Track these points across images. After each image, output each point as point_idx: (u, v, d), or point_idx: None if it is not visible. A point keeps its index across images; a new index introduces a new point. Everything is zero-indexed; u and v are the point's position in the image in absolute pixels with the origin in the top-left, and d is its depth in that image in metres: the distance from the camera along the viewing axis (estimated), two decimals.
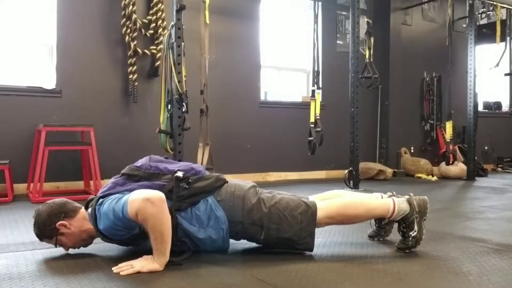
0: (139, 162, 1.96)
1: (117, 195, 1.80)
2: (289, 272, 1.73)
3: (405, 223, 2.01)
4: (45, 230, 1.88)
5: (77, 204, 1.97)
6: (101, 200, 1.84)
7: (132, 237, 1.85)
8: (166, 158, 2.04)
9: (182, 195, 1.85)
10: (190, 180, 1.89)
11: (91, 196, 1.99)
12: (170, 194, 1.83)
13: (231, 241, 1.99)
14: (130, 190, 1.81)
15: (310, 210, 1.94)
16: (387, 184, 5.11)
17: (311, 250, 1.98)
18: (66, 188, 4.13)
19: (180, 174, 1.87)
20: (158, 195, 1.71)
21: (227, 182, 1.98)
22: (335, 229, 2.52)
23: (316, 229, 1.98)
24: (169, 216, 1.73)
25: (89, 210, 1.88)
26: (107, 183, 1.93)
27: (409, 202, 2.01)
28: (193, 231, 1.86)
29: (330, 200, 2.07)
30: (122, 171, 1.95)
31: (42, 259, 1.89)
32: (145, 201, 1.67)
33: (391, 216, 2.01)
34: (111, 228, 1.79)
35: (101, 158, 3.90)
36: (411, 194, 2.06)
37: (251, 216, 1.90)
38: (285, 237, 1.92)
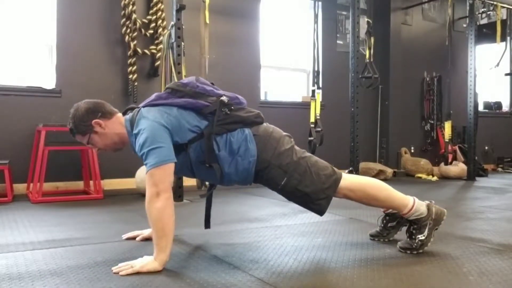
0: (186, 80, 1.97)
1: (156, 136, 1.74)
2: (289, 272, 1.73)
3: (417, 224, 2.01)
4: (80, 125, 1.90)
5: (115, 108, 1.99)
6: (142, 112, 1.84)
7: None
8: (212, 83, 2.04)
9: (223, 120, 1.87)
10: (232, 108, 1.90)
11: (132, 105, 2.02)
12: (212, 116, 1.86)
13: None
14: (173, 105, 1.85)
15: (335, 175, 1.96)
16: (387, 184, 5.10)
17: (322, 213, 1.98)
18: (66, 188, 4.13)
19: (225, 98, 1.89)
20: (168, 191, 1.72)
21: (266, 123, 2.01)
22: (335, 229, 2.52)
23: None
24: (173, 213, 1.74)
25: (127, 116, 1.92)
26: (151, 96, 1.94)
27: (428, 208, 2.02)
28: (223, 156, 1.87)
29: (356, 175, 2.10)
30: (168, 85, 1.96)
31: (42, 259, 1.88)
32: (155, 193, 1.70)
33: (407, 213, 2.02)
34: (138, 152, 1.81)
35: (100, 158, 3.89)
36: (433, 201, 2.08)
37: (280, 159, 1.91)
38: (304, 191, 1.92)
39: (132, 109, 1.97)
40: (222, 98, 1.89)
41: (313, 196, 1.93)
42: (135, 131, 1.83)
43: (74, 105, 1.94)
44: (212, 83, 2.03)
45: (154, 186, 1.71)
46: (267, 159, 1.90)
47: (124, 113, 1.98)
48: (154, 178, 1.72)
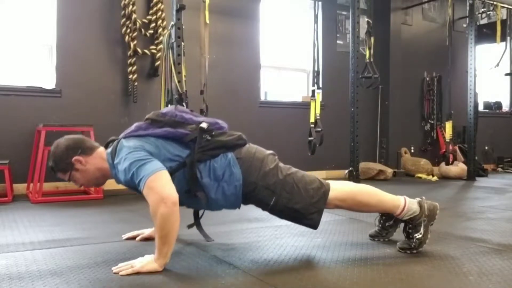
0: (165, 110, 1.96)
1: (140, 156, 1.74)
2: (289, 272, 1.73)
3: (412, 223, 2.01)
4: (61, 163, 1.90)
5: (95, 143, 1.98)
6: (122, 142, 1.83)
7: None
8: (192, 111, 2.03)
9: (204, 146, 1.85)
10: (213, 133, 1.89)
11: (112, 137, 1.99)
12: (193, 143, 1.85)
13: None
14: (152, 135, 1.83)
15: (324, 188, 1.95)
16: (387, 184, 5.11)
17: (316, 227, 1.98)
18: (65, 188, 4.13)
19: (204, 125, 1.88)
20: (173, 196, 1.68)
21: (248, 144, 1.99)
22: (335, 229, 2.52)
23: (318, 231, 1.97)
24: (179, 219, 1.71)
25: (109, 150, 1.90)
26: (130, 126, 1.92)
27: (420, 205, 2.02)
28: (207, 184, 1.85)
29: (344, 183, 2.08)
30: (147, 116, 1.94)
31: (42, 259, 1.88)
32: (159, 199, 1.66)
33: (399, 214, 2.02)
34: (126, 181, 1.80)
35: None
36: (423, 197, 2.07)
37: (266, 179, 1.90)
38: (294, 208, 1.91)
39: (113, 141, 1.94)
40: (201, 125, 1.87)
41: (304, 212, 1.92)
42: (116, 161, 1.81)
43: (54, 143, 1.93)
44: (192, 110, 2.03)
45: (155, 194, 1.67)
46: (253, 181, 1.89)
47: (106, 146, 1.96)
48: (152, 187, 1.68)
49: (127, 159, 1.75)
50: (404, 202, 2.01)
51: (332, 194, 1.95)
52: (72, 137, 1.95)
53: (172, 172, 1.79)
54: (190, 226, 2.13)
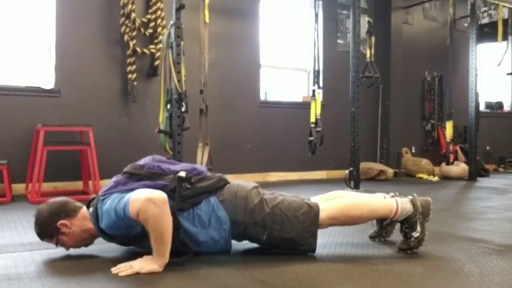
0: (142, 161, 1.94)
1: (119, 194, 1.78)
2: (289, 272, 1.72)
3: (407, 223, 2.00)
4: (46, 229, 1.87)
5: (78, 204, 1.96)
6: (102, 198, 1.83)
7: (134, 236, 1.84)
8: (168, 158, 2.03)
9: (185, 195, 1.84)
10: (192, 180, 1.87)
11: (92, 196, 1.98)
12: (173, 194, 1.82)
13: (232, 241, 1.97)
14: (132, 190, 1.80)
15: (313, 211, 1.93)
16: (388, 184, 5.10)
17: (313, 251, 1.97)
18: (64, 188, 4.12)
19: (182, 174, 1.86)
20: (161, 195, 1.69)
21: (229, 183, 1.97)
22: (335, 230, 2.51)
23: (319, 231, 1.96)
24: (171, 218, 1.71)
25: (91, 209, 1.88)
26: (109, 182, 1.91)
27: (413, 203, 2.00)
28: (194, 232, 1.85)
29: (333, 201, 2.06)
30: (125, 170, 1.93)
31: (41, 260, 1.88)
32: (147, 201, 1.66)
33: (394, 217, 2.00)
34: (112, 227, 1.78)
35: (100, 158, 3.88)
36: (415, 194, 2.05)
37: (253, 216, 1.89)
38: (287, 237, 1.91)
39: (94, 199, 1.92)
40: (179, 174, 1.86)
41: (299, 239, 1.92)
42: (99, 214, 1.80)
43: (36, 209, 1.91)
44: (169, 158, 2.03)
45: (141, 200, 1.67)
46: (241, 220, 1.89)
47: (88, 205, 1.94)
48: (138, 197, 1.68)
49: (106, 206, 1.77)
50: (396, 204, 1.99)
51: (323, 214, 1.94)
52: (54, 201, 1.93)
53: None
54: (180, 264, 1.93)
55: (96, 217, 1.82)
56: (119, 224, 1.76)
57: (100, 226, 1.82)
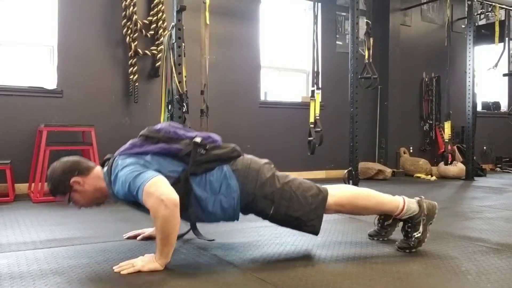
0: (159, 126, 1.96)
1: (136, 168, 1.76)
2: (289, 271, 1.74)
3: (411, 223, 2.02)
4: (59, 186, 1.90)
5: (91, 163, 1.99)
6: (117, 160, 1.84)
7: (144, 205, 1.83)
8: (184, 126, 2.04)
9: (199, 160, 1.86)
10: (207, 147, 1.90)
11: (108, 155, 2.00)
12: (187, 158, 1.86)
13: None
14: (147, 153, 1.83)
15: (322, 194, 1.96)
16: (386, 184, 5.12)
17: (317, 233, 1.99)
18: None
19: (198, 139, 1.89)
20: (173, 197, 1.69)
21: (243, 155, 2.00)
22: (335, 229, 2.54)
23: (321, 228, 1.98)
24: (179, 220, 1.72)
25: (105, 169, 1.91)
26: (125, 144, 1.93)
27: (419, 204, 2.03)
28: (204, 197, 1.86)
29: (342, 188, 2.08)
30: (141, 132, 1.95)
31: (43, 258, 1.89)
32: (159, 201, 1.66)
33: (399, 214, 2.03)
34: (124, 196, 1.81)
35: (102, 158, 3.89)
36: (422, 197, 2.08)
37: (263, 189, 1.91)
38: (293, 215, 1.92)
39: (109, 159, 1.95)
40: (195, 139, 1.89)
41: (304, 219, 1.93)
42: (112, 177, 1.82)
43: (51, 166, 1.94)
44: (184, 126, 2.04)
45: (155, 197, 1.67)
46: (251, 191, 1.90)
47: (102, 164, 1.97)
48: (151, 192, 1.69)
49: (122, 174, 1.77)
50: (403, 202, 2.02)
51: (331, 199, 1.96)
52: (68, 159, 1.96)
53: None
54: (180, 237, 2.06)
55: (110, 177, 1.84)
56: (130, 196, 1.78)
57: (113, 189, 1.84)
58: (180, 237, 1.98)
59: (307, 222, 1.94)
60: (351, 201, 2.01)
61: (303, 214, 1.93)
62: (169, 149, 1.86)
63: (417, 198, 2.06)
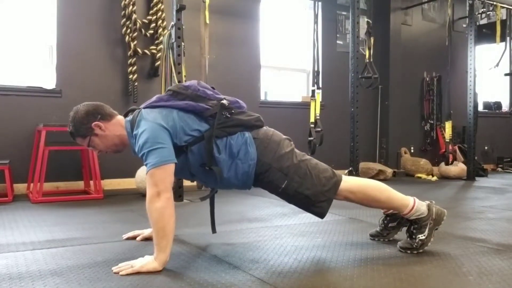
0: (188, 83, 1.97)
1: (156, 138, 1.75)
2: (289, 272, 1.73)
3: (417, 224, 2.02)
4: (81, 128, 1.91)
5: (114, 110, 1.99)
6: (142, 112, 1.85)
7: None
8: (213, 88, 2.04)
9: (223, 123, 1.87)
10: (233, 111, 1.91)
11: (133, 106, 2.02)
12: (212, 119, 1.87)
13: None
14: (173, 107, 1.85)
15: (336, 178, 1.96)
16: (387, 184, 5.10)
17: (323, 216, 1.98)
18: (66, 188, 4.13)
19: (225, 102, 1.90)
20: (169, 191, 1.72)
21: (266, 126, 2.02)
22: (335, 229, 2.53)
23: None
24: (173, 214, 1.74)
25: (129, 118, 1.92)
26: (152, 98, 1.94)
27: (429, 208, 2.03)
28: (221, 160, 1.86)
29: (356, 178, 2.10)
30: (169, 87, 1.96)
31: (42, 259, 1.88)
32: (155, 193, 1.70)
33: (407, 213, 2.02)
34: (139, 155, 1.81)
35: (101, 158, 3.89)
36: (433, 201, 2.08)
37: (280, 161, 1.91)
38: (304, 193, 1.92)
39: (133, 110, 1.97)
40: (222, 101, 1.90)
41: (314, 199, 1.93)
42: (135, 132, 1.82)
43: (74, 108, 1.95)
44: (213, 87, 2.03)
45: (154, 186, 1.71)
46: (268, 162, 1.90)
47: (125, 115, 1.98)
48: (154, 178, 1.72)
49: (144, 134, 1.76)
50: (414, 203, 2.02)
51: (344, 185, 1.96)
52: (91, 103, 1.97)
53: (189, 145, 1.83)
54: (203, 199, 2.09)
55: (132, 128, 1.85)
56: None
57: (133, 144, 1.85)
58: (203, 199, 2.05)
59: (316, 203, 1.93)
60: (363, 190, 2.01)
61: (314, 194, 1.92)
62: (195, 107, 1.87)
63: (428, 202, 2.07)
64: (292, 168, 1.91)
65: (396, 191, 2.06)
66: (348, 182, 1.99)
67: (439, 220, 2.03)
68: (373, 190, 2.03)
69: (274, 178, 1.92)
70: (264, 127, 2.01)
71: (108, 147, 1.97)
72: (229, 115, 1.89)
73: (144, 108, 1.90)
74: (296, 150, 2.00)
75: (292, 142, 2.04)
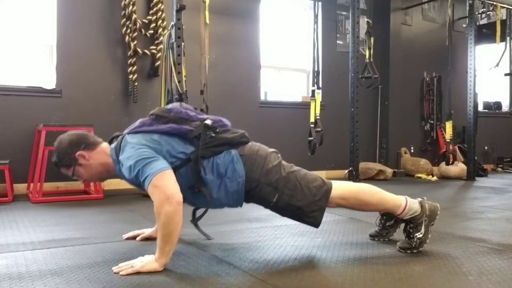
0: (170, 106, 1.96)
1: (146, 153, 1.75)
2: (289, 272, 1.73)
3: (413, 223, 2.02)
4: (64, 158, 1.90)
5: (98, 138, 1.99)
6: (127, 138, 1.84)
7: None
8: (196, 108, 2.04)
9: (208, 143, 1.86)
10: (217, 130, 1.90)
11: (117, 133, 2.00)
12: (197, 140, 1.85)
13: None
14: (156, 132, 1.83)
15: (326, 186, 1.96)
16: (387, 184, 5.11)
17: (317, 225, 1.98)
18: (66, 188, 4.13)
19: (209, 122, 1.89)
20: (178, 195, 1.69)
21: (251, 141, 2.01)
22: (335, 229, 2.53)
23: (319, 230, 1.98)
24: (182, 219, 1.72)
25: (113, 145, 1.91)
26: (135, 122, 1.93)
27: (421, 205, 2.03)
28: (210, 180, 1.86)
29: (346, 183, 2.09)
30: (152, 112, 1.94)
31: (42, 259, 1.88)
32: (164, 197, 1.67)
33: (401, 213, 2.02)
34: (131, 179, 1.80)
35: None
36: (424, 198, 2.08)
37: (269, 176, 1.90)
38: (296, 205, 1.92)
39: (117, 137, 1.95)
40: (206, 121, 1.89)
41: (306, 210, 1.93)
42: (120, 157, 1.81)
43: (57, 138, 1.95)
44: (196, 108, 2.04)
45: (161, 193, 1.68)
46: (256, 177, 1.90)
47: (110, 142, 1.97)
48: (158, 185, 1.69)
49: (132, 156, 1.76)
50: (406, 202, 2.02)
51: (335, 192, 1.96)
52: (75, 132, 1.96)
53: (176, 169, 1.81)
54: (193, 221, 2.09)
55: (117, 154, 1.84)
56: (137, 181, 1.77)
57: (121, 170, 1.83)
58: (193, 221, 1.99)
59: (309, 213, 1.93)
60: (355, 195, 2.01)
61: (306, 205, 1.92)
62: (179, 130, 1.86)
63: (419, 199, 2.07)
64: (281, 181, 1.91)
65: (387, 192, 2.06)
66: (339, 188, 1.98)
67: (433, 215, 2.03)
68: (364, 194, 2.02)
69: (265, 193, 1.92)
70: (250, 143, 1.99)
71: (92, 175, 1.96)
72: (213, 135, 1.88)
73: (127, 133, 1.88)
74: (283, 162, 1.99)
75: (279, 155, 2.02)
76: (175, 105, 1.97)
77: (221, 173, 1.87)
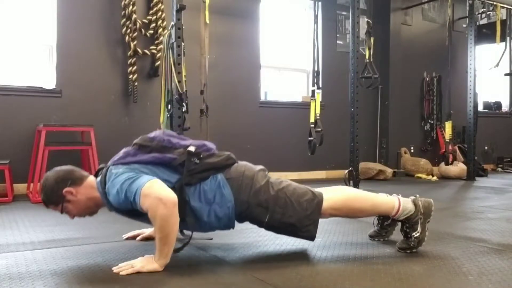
0: (153, 134, 1.94)
1: (131, 175, 1.75)
2: (289, 272, 1.73)
3: (408, 223, 2.01)
4: (52, 196, 1.87)
5: (85, 172, 1.96)
6: (111, 169, 1.82)
7: (140, 212, 1.80)
8: (178, 133, 2.03)
9: (193, 170, 1.84)
10: (201, 156, 1.88)
11: (102, 165, 1.97)
12: (181, 168, 1.83)
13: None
14: (140, 162, 1.81)
15: (316, 199, 1.95)
16: (387, 184, 5.11)
17: (313, 239, 1.98)
18: None
19: (192, 148, 1.87)
20: (171, 196, 1.68)
21: (237, 162, 1.99)
22: (335, 229, 2.52)
23: (320, 227, 1.97)
24: (178, 219, 1.71)
25: (99, 178, 1.88)
26: (118, 152, 1.91)
27: (415, 203, 2.02)
28: (199, 208, 1.85)
29: (337, 192, 2.07)
30: (135, 141, 1.92)
31: (42, 259, 1.88)
32: (157, 201, 1.66)
33: (395, 215, 2.02)
34: (120, 204, 1.78)
35: (101, 158, 3.89)
36: (417, 195, 2.07)
37: (258, 197, 1.89)
38: (288, 222, 1.91)
39: (102, 169, 1.93)
40: (189, 148, 1.86)
41: (299, 225, 1.92)
42: (107, 186, 1.79)
43: (44, 175, 1.92)
44: (179, 133, 2.02)
45: (153, 198, 1.66)
46: (245, 200, 1.89)
47: (96, 175, 1.95)
48: (148, 193, 1.67)
49: (117, 182, 1.75)
50: (399, 203, 2.01)
51: (326, 204, 1.95)
52: (61, 169, 1.93)
53: None
54: (177, 251, 1.91)
55: (104, 187, 1.82)
56: (127, 204, 1.75)
57: (108, 199, 1.81)
58: (176, 250, 1.87)
59: (302, 228, 1.93)
60: (347, 204, 2.00)
61: (298, 220, 1.92)
62: (162, 159, 1.84)
63: (412, 197, 2.05)
64: (271, 201, 1.90)
65: (379, 196, 2.06)
66: (330, 200, 1.97)
67: (428, 212, 2.02)
68: (356, 202, 2.02)
69: (256, 214, 1.91)
70: (235, 164, 1.97)
71: (81, 211, 1.93)
72: (198, 161, 1.86)
73: (112, 164, 1.86)
74: (271, 179, 1.98)
75: (266, 172, 2.01)
76: (158, 132, 1.94)
77: (209, 200, 1.86)
